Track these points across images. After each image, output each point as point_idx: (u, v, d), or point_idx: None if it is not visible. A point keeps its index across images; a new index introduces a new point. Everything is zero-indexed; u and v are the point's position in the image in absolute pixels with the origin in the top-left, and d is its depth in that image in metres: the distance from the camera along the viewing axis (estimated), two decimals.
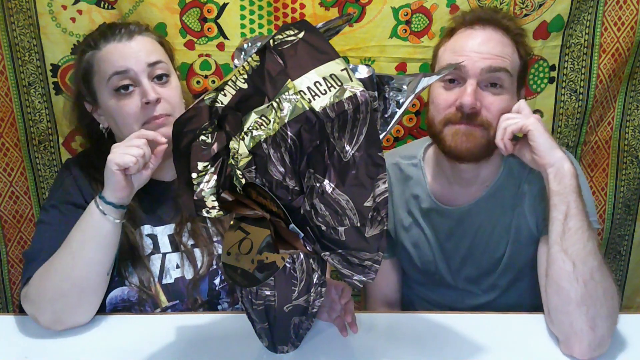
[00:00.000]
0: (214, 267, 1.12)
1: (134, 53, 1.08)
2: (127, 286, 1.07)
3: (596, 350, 0.94)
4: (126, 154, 0.97)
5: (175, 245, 1.12)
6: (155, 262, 1.10)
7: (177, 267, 1.11)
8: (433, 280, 1.23)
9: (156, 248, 1.12)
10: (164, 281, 1.10)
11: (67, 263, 0.99)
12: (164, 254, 1.11)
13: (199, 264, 1.11)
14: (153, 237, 1.12)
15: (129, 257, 1.08)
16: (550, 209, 1.00)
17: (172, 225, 1.14)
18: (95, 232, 1.00)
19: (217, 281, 1.12)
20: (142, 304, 1.08)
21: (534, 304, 1.09)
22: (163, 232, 1.13)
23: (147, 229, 1.12)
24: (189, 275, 1.11)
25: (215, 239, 1.15)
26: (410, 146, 1.30)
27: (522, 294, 1.18)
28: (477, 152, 1.08)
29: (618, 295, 0.97)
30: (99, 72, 1.10)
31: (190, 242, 1.13)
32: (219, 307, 1.13)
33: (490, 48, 1.07)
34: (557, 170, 0.99)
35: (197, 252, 1.13)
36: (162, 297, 1.09)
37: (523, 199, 1.13)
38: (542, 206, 1.10)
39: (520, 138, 1.06)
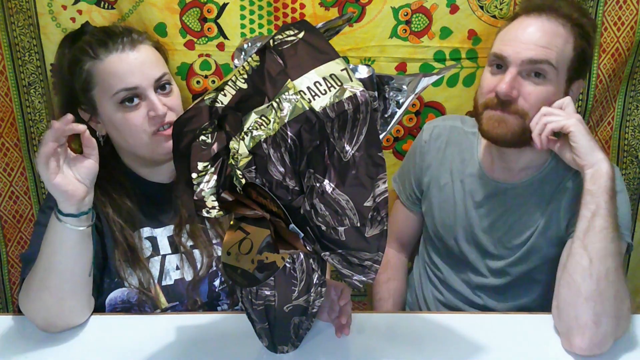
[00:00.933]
0: (214, 268, 1.12)
1: (140, 67, 1.06)
2: (127, 287, 1.07)
3: (596, 347, 0.94)
4: (38, 163, 0.90)
5: (175, 247, 1.12)
6: (155, 263, 1.10)
7: (177, 268, 1.11)
8: (448, 246, 1.24)
9: (155, 250, 1.11)
10: (164, 282, 1.10)
11: (42, 276, 0.96)
12: (164, 256, 1.11)
13: (199, 266, 1.11)
14: (152, 240, 1.12)
15: (128, 259, 1.08)
16: (581, 207, 1.00)
17: (172, 227, 1.14)
18: (61, 244, 0.94)
19: (216, 283, 1.12)
20: (141, 305, 1.07)
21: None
22: (162, 234, 1.13)
23: (146, 231, 1.12)
24: (188, 276, 1.11)
25: (214, 241, 1.15)
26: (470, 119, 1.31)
27: (532, 302, 1.19)
28: (509, 138, 1.08)
29: (629, 301, 0.97)
30: (102, 84, 1.06)
31: (190, 243, 1.13)
32: (219, 308, 1.13)
33: (537, 39, 1.05)
34: (595, 171, 0.99)
35: (196, 253, 1.12)
36: (162, 299, 1.09)
37: (563, 196, 1.13)
38: (576, 208, 1.09)
39: (561, 136, 1.05)
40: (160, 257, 1.11)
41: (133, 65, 1.06)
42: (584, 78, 1.15)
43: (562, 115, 1.03)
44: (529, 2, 1.12)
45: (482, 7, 1.32)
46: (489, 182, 1.19)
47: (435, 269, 1.30)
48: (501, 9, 1.32)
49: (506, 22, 1.13)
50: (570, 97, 1.08)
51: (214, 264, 1.12)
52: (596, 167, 0.99)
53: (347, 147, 0.77)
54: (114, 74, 1.05)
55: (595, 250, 0.96)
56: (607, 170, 0.99)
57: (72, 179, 0.93)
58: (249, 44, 0.87)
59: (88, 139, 0.94)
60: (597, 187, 0.99)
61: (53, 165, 0.90)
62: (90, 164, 0.94)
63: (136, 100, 1.05)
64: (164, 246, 1.12)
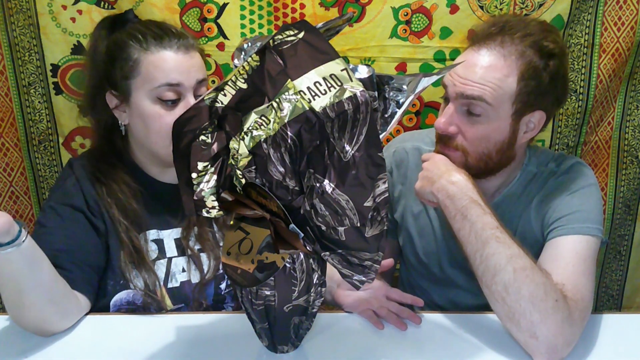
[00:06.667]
0: (220, 271, 1.12)
1: (187, 68, 1.06)
2: (132, 289, 1.07)
3: (554, 352, 0.91)
4: None
5: (182, 250, 1.12)
6: (161, 266, 1.10)
7: (183, 270, 1.11)
8: (433, 273, 1.23)
9: (162, 253, 1.10)
10: (170, 285, 1.09)
11: (14, 299, 0.93)
12: (170, 259, 1.11)
13: (206, 269, 1.11)
14: (159, 242, 1.11)
15: (133, 260, 1.07)
16: None
17: (179, 229, 1.13)
18: (16, 269, 0.90)
19: (223, 286, 1.12)
20: (147, 307, 1.07)
21: None
22: (170, 236, 1.12)
23: (152, 233, 1.11)
24: (195, 279, 1.10)
25: (221, 244, 1.14)
26: (433, 131, 1.26)
27: None
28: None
29: (554, 290, 0.91)
30: (146, 75, 1.05)
31: (197, 246, 1.12)
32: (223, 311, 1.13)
33: (470, 73, 1.00)
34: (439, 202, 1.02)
35: (203, 256, 1.12)
36: (168, 301, 1.08)
37: (530, 203, 1.12)
38: (545, 210, 1.09)
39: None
40: (166, 259, 1.10)
41: (182, 65, 1.06)
42: (548, 109, 1.06)
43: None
44: (480, 30, 1.06)
45: (482, 7, 1.32)
46: None
47: (421, 294, 1.27)
48: (501, 9, 1.32)
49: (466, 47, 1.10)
50: (523, 132, 1.06)
51: (220, 266, 1.12)
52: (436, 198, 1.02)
53: (347, 147, 0.77)
54: (161, 69, 1.05)
55: (484, 275, 0.95)
56: (444, 195, 1.00)
57: None
58: (249, 44, 0.87)
59: None
60: (447, 214, 1.01)
61: None
62: None
63: (175, 100, 1.05)
64: (171, 249, 1.12)
